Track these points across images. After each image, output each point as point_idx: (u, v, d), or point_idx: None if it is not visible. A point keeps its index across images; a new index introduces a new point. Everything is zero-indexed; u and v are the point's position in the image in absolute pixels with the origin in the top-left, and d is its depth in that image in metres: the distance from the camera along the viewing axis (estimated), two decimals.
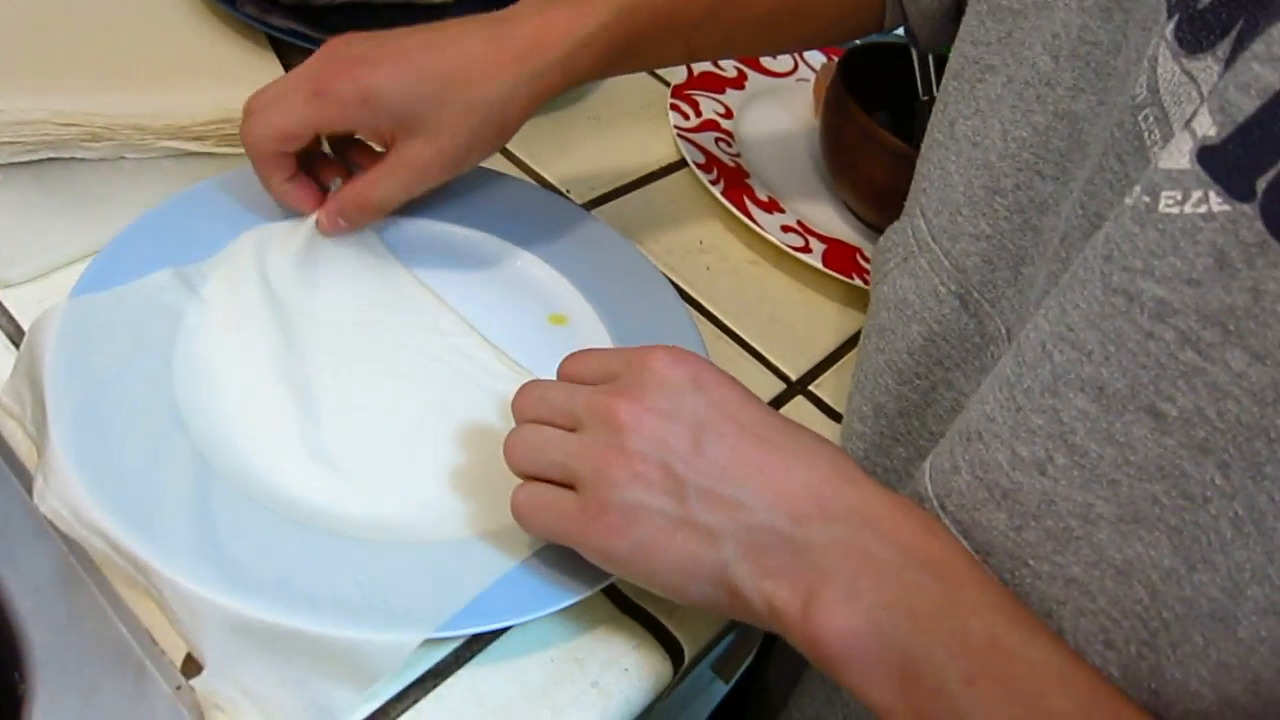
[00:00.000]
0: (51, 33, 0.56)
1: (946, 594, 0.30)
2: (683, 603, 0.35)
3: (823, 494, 0.32)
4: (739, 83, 0.73)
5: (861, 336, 0.46)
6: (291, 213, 0.48)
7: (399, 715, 0.36)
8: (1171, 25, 0.28)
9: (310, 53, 0.45)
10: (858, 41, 0.66)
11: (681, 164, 0.65)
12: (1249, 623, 0.25)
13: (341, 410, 0.43)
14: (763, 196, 0.63)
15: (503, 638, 0.39)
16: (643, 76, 0.73)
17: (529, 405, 0.38)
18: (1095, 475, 0.28)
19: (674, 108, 0.67)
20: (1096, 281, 0.28)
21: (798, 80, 0.76)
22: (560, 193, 0.60)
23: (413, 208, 0.52)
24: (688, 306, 0.53)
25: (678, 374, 0.35)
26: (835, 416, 0.53)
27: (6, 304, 0.44)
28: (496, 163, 0.61)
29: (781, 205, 0.63)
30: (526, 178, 0.60)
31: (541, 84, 0.45)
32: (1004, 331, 0.39)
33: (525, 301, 0.51)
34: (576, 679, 0.38)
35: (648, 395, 0.34)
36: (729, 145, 0.67)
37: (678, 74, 0.71)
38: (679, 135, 0.65)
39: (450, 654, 0.38)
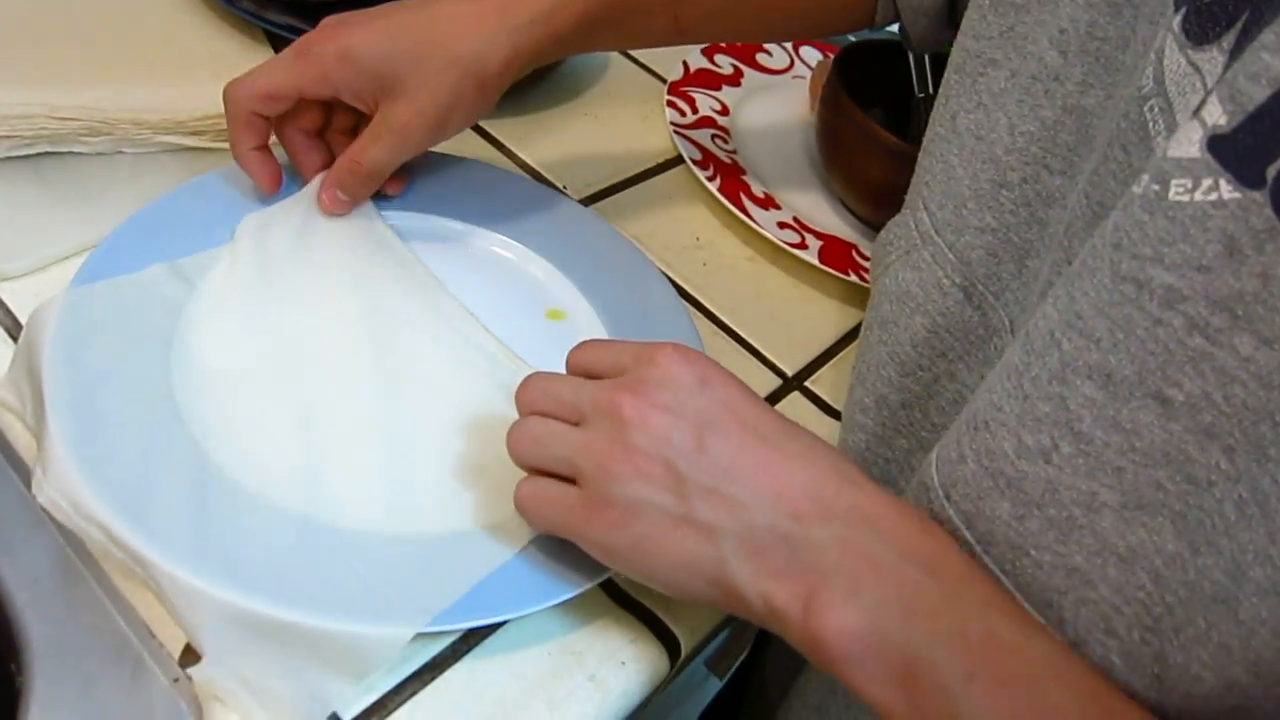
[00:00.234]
0: (48, 26, 0.56)
1: (945, 592, 0.30)
2: (682, 599, 0.35)
3: (823, 494, 0.32)
4: (735, 79, 0.73)
5: (863, 329, 0.46)
6: (282, 198, 0.49)
7: (397, 707, 0.36)
8: (1179, 18, 0.29)
9: None
10: (852, 38, 0.66)
11: (678, 160, 0.65)
12: (1250, 604, 0.25)
13: (339, 400, 0.43)
14: (759, 193, 0.63)
15: (501, 631, 0.39)
16: (639, 73, 0.73)
17: (533, 397, 0.38)
18: (1100, 463, 0.29)
19: (670, 104, 0.67)
20: (1105, 270, 0.28)
21: (794, 77, 0.76)
22: (558, 189, 0.60)
23: (410, 202, 0.53)
24: (685, 303, 0.53)
25: (684, 371, 0.35)
26: (832, 413, 0.53)
27: (4, 297, 0.44)
28: (494, 158, 0.61)
29: (778, 202, 0.63)
30: (524, 174, 0.60)
31: (521, 39, 0.45)
32: (1008, 323, 0.40)
33: (523, 296, 0.51)
34: (574, 672, 0.38)
35: (653, 391, 0.35)
36: (725, 142, 0.67)
37: (674, 70, 0.71)
38: (676, 132, 0.65)
39: (448, 647, 0.38)
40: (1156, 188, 0.26)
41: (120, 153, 0.52)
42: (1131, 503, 0.28)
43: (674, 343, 0.37)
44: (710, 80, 0.72)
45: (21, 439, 0.40)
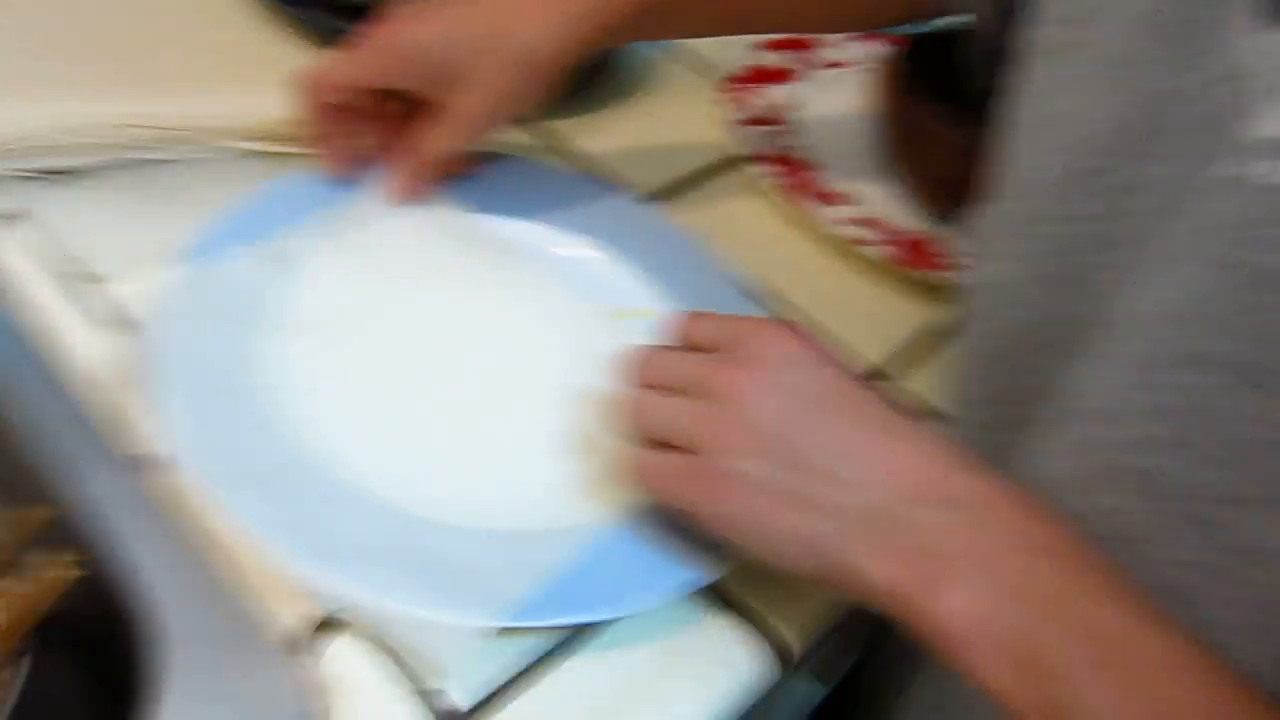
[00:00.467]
0: (128, 42, 0.58)
1: (1065, 581, 0.30)
2: (792, 573, 0.35)
3: (936, 477, 0.33)
4: (798, 74, 0.73)
5: (959, 323, 0.46)
6: (361, 196, 0.50)
7: (506, 704, 0.36)
8: None
9: None
10: (918, 29, 0.66)
11: (740, 157, 0.65)
12: None
13: (428, 390, 0.44)
14: (824, 188, 0.63)
15: (607, 629, 0.39)
16: (699, 70, 0.73)
17: (644, 369, 0.39)
18: (1204, 453, 0.28)
19: (731, 100, 0.67)
20: (1195, 256, 0.28)
21: (857, 69, 0.76)
22: (621, 189, 0.60)
23: (476, 202, 0.53)
24: (754, 302, 0.53)
25: (794, 350, 0.36)
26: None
27: (101, 297, 0.45)
28: (555, 158, 0.61)
29: (843, 197, 0.63)
30: (587, 173, 0.60)
31: (580, 28, 0.46)
32: (1099, 314, 0.39)
33: (590, 296, 0.51)
34: (681, 673, 0.38)
35: (765, 368, 0.35)
36: (788, 137, 0.67)
37: (734, 67, 0.71)
38: (737, 128, 0.65)
39: (555, 644, 0.38)
40: (1244, 171, 0.26)
41: (197, 159, 0.53)
42: (1252, 495, 0.28)
43: (782, 320, 0.37)
44: (771, 75, 0.71)
45: (137, 430, 0.41)
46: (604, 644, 0.39)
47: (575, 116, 0.65)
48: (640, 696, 0.37)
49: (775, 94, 0.70)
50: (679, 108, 0.69)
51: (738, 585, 0.41)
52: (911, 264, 0.59)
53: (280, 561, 0.36)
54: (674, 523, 0.39)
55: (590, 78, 0.68)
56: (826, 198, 0.62)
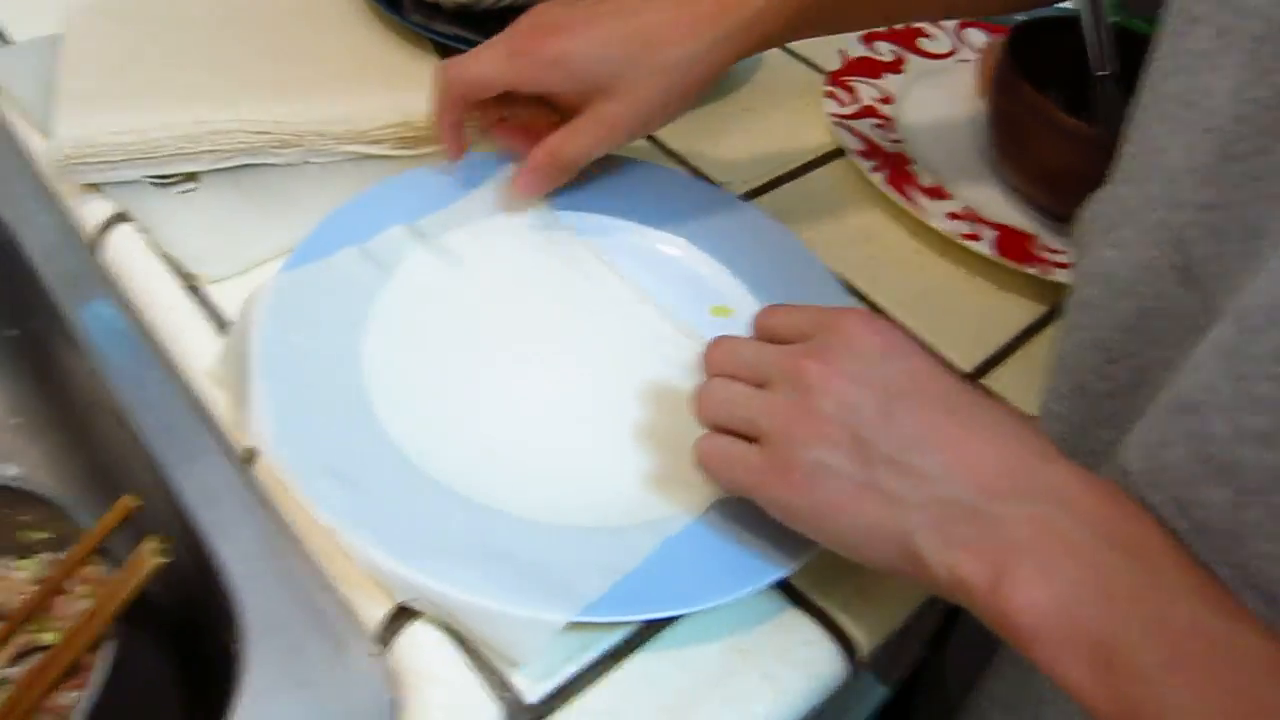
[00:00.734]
0: (240, 50, 0.60)
1: (1145, 577, 0.29)
2: (863, 564, 0.35)
3: (1015, 470, 0.32)
4: (897, 67, 0.71)
5: (1063, 313, 0.44)
6: (462, 199, 0.52)
7: (575, 697, 0.37)
8: None
9: None
10: (1022, 17, 0.63)
11: (839, 152, 0.64)
12: None
13: (516, 384, 0.45)
14: (926, 183, 0.61)
15: (675, 625, 0.39)
16: (797, 65, 0.72)
17: (720, 358, 0.39)
18: None
19: (830, 95, 0.66)
20: None
21: (959, 61, 0.74)
22: (718, 185, 0.60)
23: (576, 201, 0.54)
24: (852, 298, 0.52)
25: (872, 340, 0.35)
26: None
27: (212, 297, 0.48)
28: (653, 156, 0.61)
29: (947, 191, 0.61)
30: (684, 170, 0.60)
31: (730, 45, 0.47)
32: (1204, 306, 0.37)
33: (688, 293, 0.51)
34: (748, 671, 0.38)
35: (840, 359, 0.35)
36: (889, 131, 0.65)
37: (833, 61, 0.69)
38: (836, 123, 0.63)
39: (623, 639, 0.38)
40: None
41: (308, 163, 0.55)
42: None
43: (861, 309, 0.37)
44: (871, 68, 0.70)
45: (231, 423, 0.43)
46: (674, 640, 0.38)
47: None
48: (708, 693, 0.37)
49: (876, 88, 0.68)
50: (779, 102, 0.68)
51: (807, 584, 0.40)
52: (1017, 260, 0.56)
53: (359, 553, 0.37)
54: (747, 518, 0.39)
55: None
56: (928, 192, 0.60)
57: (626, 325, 0.48)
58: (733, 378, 0.38)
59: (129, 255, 0.50)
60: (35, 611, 0.45)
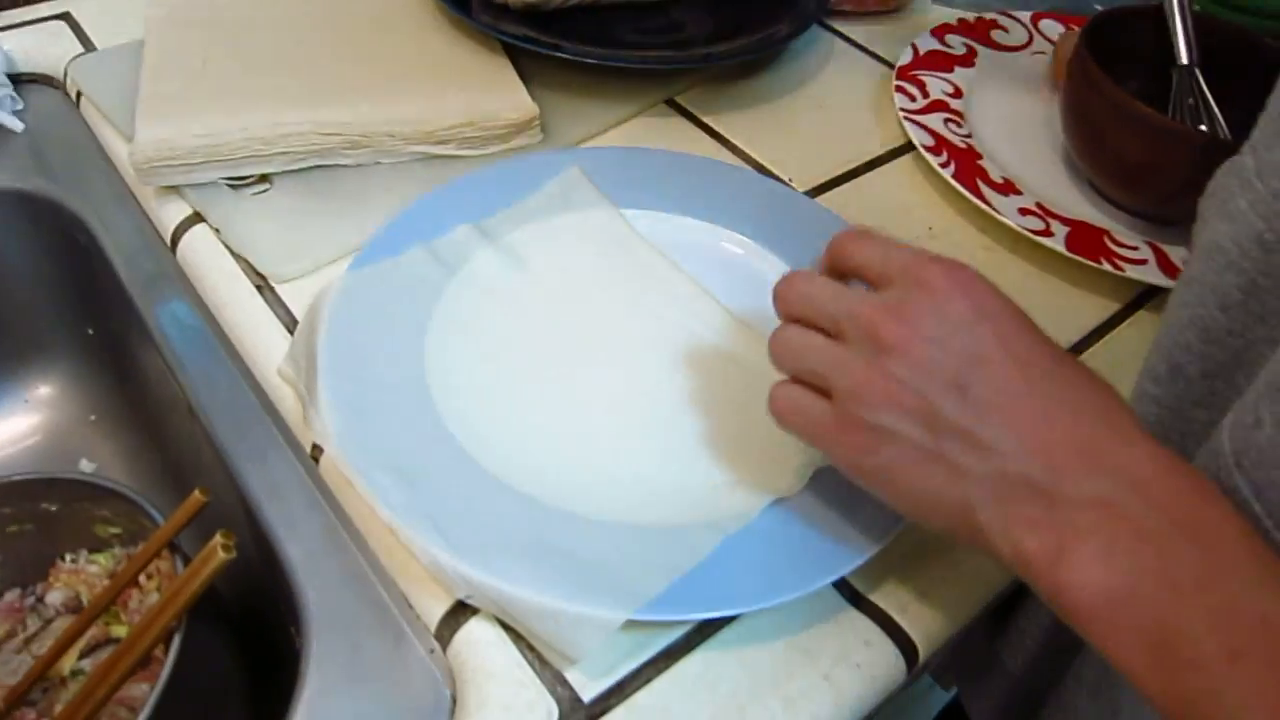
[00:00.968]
0: (310, 52, 0.61)
1: (1213, 566, 0.28)
2: (925, 527, 0.35)
3: (1089, 449, 0.31)
4: (968, 60, 0.69)
5: (1171, 291, 0.42)
6: (527, 198, 0.52)
7: (634, 692, 0.37)
8: None
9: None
10: (1099, 6, 0.61)
11: (908, 148, 0.63)
12: None
13: (577, 383, 0.45)
14: (997, 178, 0.59)
15: (734, 624, 0.38)
16: (865, 59, 0.71)
17: (793, 301, 0.37)
18: None
19: (899, 90, 0.65)
20: None
21: (1032, 54, 0.71)
22: (783, 181, 0.59)
23: (642, 200, 0.53)
24: None
25: (959, 304, 0.33)
26: None
27: (283, 297, 0.49)
28: (718, 153, 0.61)
29: (1018, 187, 0.59)
30: (749, 168, 0.60)
31: None
32: None
33: (754, 293, 0.50)
34: (807, 671, 0.37)
35: (922, 321, 0.33)
36: (959, 126, 0.63)
37: (903, 54, 0.68)
38: (905, 118, 0.62)
39: (681, 638, 0.38)
40: None
41: (377, 163, 0.56)
42: None
43: (950, 261, 0.34)
44: (941, 62, 0.68)
45: (299, 421, 0.44)
46: (731, 639, 0.38)
47: (740, 110, 0.64)
48: (765, 693, 0.37)
49: (947, 81, 0.67)
50: (848, 97, 0.67)
51: (866, 585, 0.40)
52: (1090, 256, 0.54)
53: (420, 549, 0.37)
54: (807, 518, 0.39)
55: (754, 70, 0.68)
56: (999, 187, 0.59)
57: (690, 324, 0.48)
58: (806, 322, 0.36)
59: (203, 256, 0.51)
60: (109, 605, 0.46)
